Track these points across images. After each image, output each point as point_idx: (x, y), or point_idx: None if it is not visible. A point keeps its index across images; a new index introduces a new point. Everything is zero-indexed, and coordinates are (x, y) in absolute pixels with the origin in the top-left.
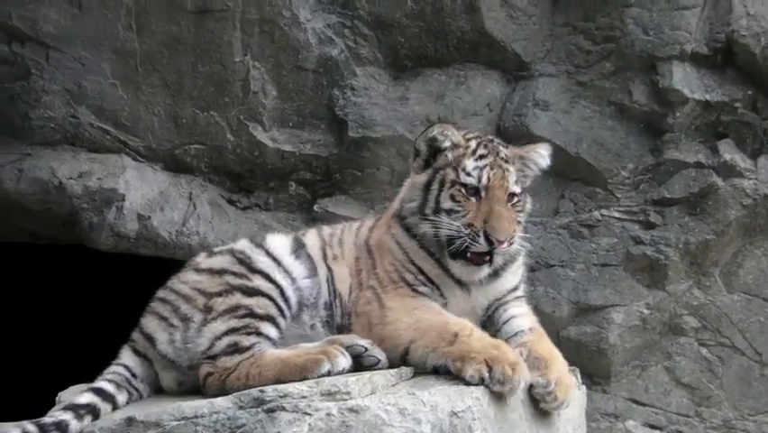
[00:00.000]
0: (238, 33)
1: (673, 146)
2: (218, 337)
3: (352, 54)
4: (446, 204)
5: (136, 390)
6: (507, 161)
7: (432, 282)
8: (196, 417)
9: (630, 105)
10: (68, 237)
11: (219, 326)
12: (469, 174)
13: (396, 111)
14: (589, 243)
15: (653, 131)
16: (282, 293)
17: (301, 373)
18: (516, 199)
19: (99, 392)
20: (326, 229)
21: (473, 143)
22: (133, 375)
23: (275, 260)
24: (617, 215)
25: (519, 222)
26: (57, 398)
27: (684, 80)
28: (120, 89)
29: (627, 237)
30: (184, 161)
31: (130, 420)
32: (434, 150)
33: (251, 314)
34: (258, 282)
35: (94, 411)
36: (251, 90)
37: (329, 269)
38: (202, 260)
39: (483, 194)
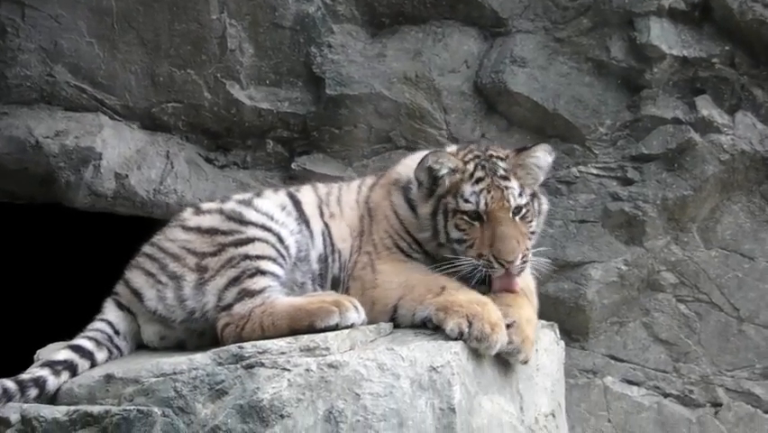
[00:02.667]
0: None
1: (651, 102)
2: (223, 290)
3: (328, 11)
4: (454, 234)
5: (117, 347)
6: (506, 178)
7: (425, 252)
8: (174, 373)
9: (608, 61)
10: (45, 196)
11: (219, 281)
12: (467, 200)
13: (373, 68)
14: (566, 199)
15: (631, 87)
16: (280, 239)
17: (311, 318)
18: (523, 211)
19: (77, 349)
20: (322, 188)
21: (471, 166)
22: (116, 332)
23: (266, 215)
24: (594, 171)
25: (533, 232)
26: (35, 356)
27: (662, 36)
28: (96, 48)
29: (605, 194)
30: (161, 119)
31: (109, 377)
32: (434, 178)
33: (246, 257)
34: (251, 232)
35: (71, 367)
36: (227, 48)
37: (326, 225)
38: (189, 216)
39: (485, 218)
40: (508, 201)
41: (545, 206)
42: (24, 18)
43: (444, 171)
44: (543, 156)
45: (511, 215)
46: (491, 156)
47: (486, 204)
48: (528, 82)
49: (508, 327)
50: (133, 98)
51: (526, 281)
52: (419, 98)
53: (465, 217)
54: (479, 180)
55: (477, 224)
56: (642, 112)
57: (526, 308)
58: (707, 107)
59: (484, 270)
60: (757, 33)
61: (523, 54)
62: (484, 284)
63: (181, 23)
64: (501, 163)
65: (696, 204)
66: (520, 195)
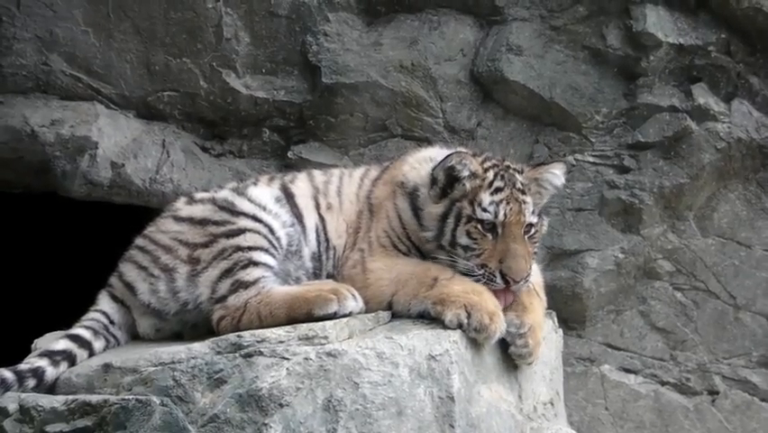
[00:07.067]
0: None
1: (647, 90)
2: (216, 282)
3: (324, 0)
4: (462, 240)
5: (113, 336)
6: (523, 192)
7: (423, 256)
8: (173, 362)
9: (604, 49)
10: (41, 185)
11: (212, 272)
12: (485, 210)
13: (369, 57)
14: (563, 187)
15: (627, 75)
16: (271, 231)
17: (309, 306)
18: (533, 230)
19: (75, 339)
20: (319, 177)
21: (490, 174)
22: (111, 322)
23: (259, 205)
24: (591, 159)
25: (535, 253)
26: (33, 345)
27: (658, 24)
28: (92, 36)
29: (602, 182)
30: (157, 108)
31: (107, 366)
32: (452, 179)
33: (238, 248)
34: (242, 223)
35: (70, 357)
36: (223, 37)
37: (321, 218)
38: (182, 206)
39: (500, 231)
40: (524, 216)
41: (545, 227)
42: (20, 7)
43: (466, 174)
44: (559, 174)
45: (523, 231)
46: (509, 167)
47: (504, 215)
48: (524, 70)
49: (521, 335)
50: (129, 87)
51: (536, 277)
52: (415, 87)
53: (479, 227)
54: (498, 190)
55: (489, 235)
56: (638, 100)
57: (539, 310)
58: (703, 95)
59: (482, 279)
60: (753, 21)
61: (519, 42)
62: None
63: (177, 12)
64: (519, 176)
65: (692, 192)
66: (532, 212)
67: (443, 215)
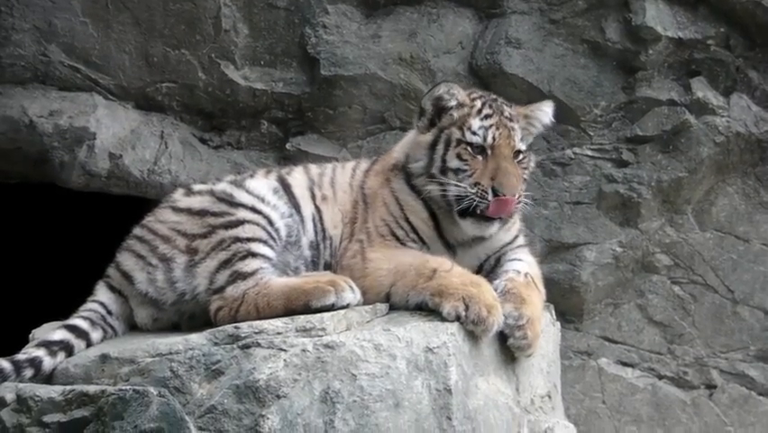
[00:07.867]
0: None
1: (646, 84)
2: (214, 273)
3: None
4: (453, 163)
5: (111, 327)
6: (511, 120)
7: (422, 241)
8: (170, 353)
9: (603, 42)
10: (39, 176)
11: (210, 263)
12: (474, 133)
13: (368, 49)
14: (561, 181)
15: (626, 69)
16: (270, 222)
17: (306, 298)
18: (521, 156)
19: (73, 329)
20: (314, 169)
21: (478, 103)
22: (109, 312)
23: (257, 197)
24: (589, 153)
25: (525, 179)
26: (30, 335)
27: (657, 17)
28: (90, 27)
29: (600, 175)
30: (155, 99)
31: (104, 357)
32: (440, 109)
33: (237, 239)
34: (242, 214)
35: (67, 348)
36: (222, 28)
37: (317, 208)
38: (180, 197)
39: (489, 152)
40: (513, 141)
41: (533, 163)
42: None
43: (453, 103)
44: (547, 111)
45: (513, 155)
46: (496, 99)
47: (493, 138)
48: (523, 63)
49: (520, 327)
50: (128, 78)
51: (534, 270)
52: (414, 79)
53: (469, 149)
54: (487, 117)
55: (480, 157)
56: (637, 93)
57: (538, 303)
58: (702, 89)
59: (476, 199)
60: (752, 15)
61: (518, 35)
62: (465, 216)
63: (176, 3)
64: (506, 107)
65: (691, 186)
66: (521, 140)
67: (432, 143)
